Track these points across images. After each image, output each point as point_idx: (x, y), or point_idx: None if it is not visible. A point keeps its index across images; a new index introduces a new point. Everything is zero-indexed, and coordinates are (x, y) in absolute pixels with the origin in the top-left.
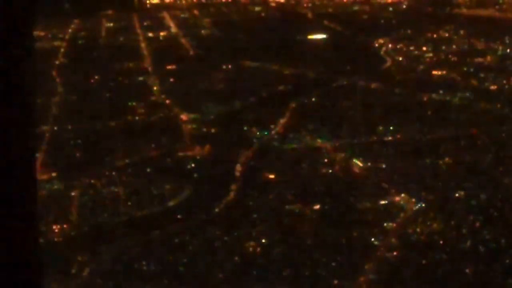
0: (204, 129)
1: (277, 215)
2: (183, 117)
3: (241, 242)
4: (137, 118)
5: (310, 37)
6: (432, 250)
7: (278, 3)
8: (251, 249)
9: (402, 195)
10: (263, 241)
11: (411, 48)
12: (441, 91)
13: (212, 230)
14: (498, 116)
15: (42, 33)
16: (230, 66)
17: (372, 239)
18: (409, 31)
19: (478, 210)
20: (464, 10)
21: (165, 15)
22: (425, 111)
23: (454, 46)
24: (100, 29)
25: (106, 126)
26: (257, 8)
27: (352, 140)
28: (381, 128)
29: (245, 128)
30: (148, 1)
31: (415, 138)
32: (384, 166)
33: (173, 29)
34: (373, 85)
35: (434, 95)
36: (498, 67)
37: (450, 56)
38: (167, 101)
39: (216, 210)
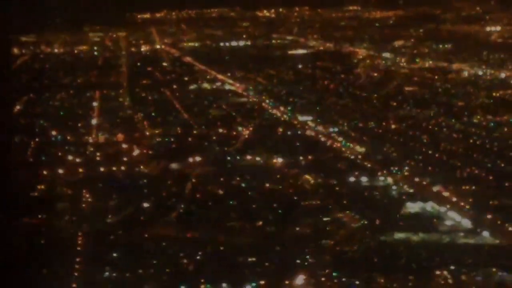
0: (164, 145)
1: (217, 232)
2: (147, 131)
3: (176, 258)
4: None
5: (290, 52)
6: (367, 268)
7: (268, 18)
8: (184, 265)
9: (347, 212)
10: (197, 257)
11: (389, 63)
12: (408, 107)
13: (146, 246)
14: (461, 131)
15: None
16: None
17: (307, 257)
18: (390, 47)
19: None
20: (449, 26)
21: (153, 30)
22: (387, 128)
23: (430, 62)
24: (85, 43)
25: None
26: (245, 24)
27: (307, 156)
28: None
29: (206, 143)
30: (139, 16)
31: (371, 156)
32: (335, 182)
33: (157, 44)
34: (341, 102)
35: (401, 111)
36: (471, 83)
37: (425, 72)
38: (136, 116)
39: (155, 227)
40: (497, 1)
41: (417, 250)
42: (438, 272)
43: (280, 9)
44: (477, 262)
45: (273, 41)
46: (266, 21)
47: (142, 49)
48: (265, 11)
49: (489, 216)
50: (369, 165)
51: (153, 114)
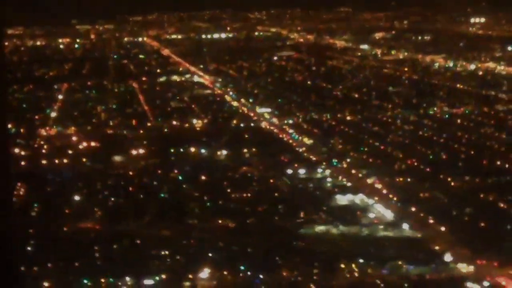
0: (113, 138)
1: (138, 224)
2: (102, 124)
3: (89, 251)
4: None
5: (269, 44)
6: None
7: (259, 19)
8: (95, 258)
9: (276, 205)
10: (111, 250)
11: (376, 64)
12: (368, 99)
13: (62, 239)
14: (414, 123)
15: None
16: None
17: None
18: (370, 38)
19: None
20: (433, 17)
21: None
22: (342, 120)
23: (405, 54)
24: (68, 36)
25: None
26: (234, 23)
27: (252, 148)
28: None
29: (155, 135)
30: (130, 18)
31: (317, 148)
32: (272, 174)
33: (140, 36)
34: (304, 94)
35: (360, 104)
36: (439, 74)
37: (396, 64)
38: (96, 108)
39: (79, 220)
40: None
41: (332, 243)
42: (343, 266)
43: (272, 11)
44: (387, 255)
45: (256, 33)
46: (256, 21)
47: (124, 41)
48: (256, 13)
49: (413, 209)
50: (312, 157)
51: (114, 106)
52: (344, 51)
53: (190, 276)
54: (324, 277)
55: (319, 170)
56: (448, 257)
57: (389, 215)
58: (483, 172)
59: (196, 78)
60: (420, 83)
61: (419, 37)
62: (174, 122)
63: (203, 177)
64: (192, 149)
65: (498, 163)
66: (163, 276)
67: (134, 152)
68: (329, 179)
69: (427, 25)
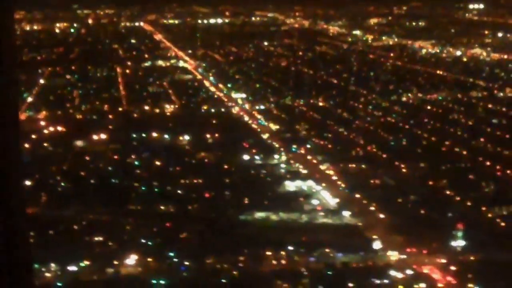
0: (79, 122)
1: (78, 210)
2: (74, 109)
3: None
4: None
5: (264, 29)
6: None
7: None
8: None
9: (223, 191)
10: (43, 237)
11: (363, 49)
12: (346, 85)
13: None
14: (385, 109)
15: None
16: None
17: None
18: (365, 24)
19: None
20: (437, 11)
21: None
22: (314, 106)
23: (396, 40)
24: (67, 20)
25: None
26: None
27: (215, 134)
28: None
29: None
30: (131, 3)
31: (281, 134)
32: (228, 160)
33: (138, 21)
34: (283, 79)
35: (336, 89)
36: (423, 60)
37: (382, 50)
38: (73, 93)
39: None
40: None
41: (268, 230)
42: (269, 253)
43: None
44: (319, 242)
45: (253, 18)
46: (256, 6)
47: (121, 26)
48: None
49: (358, 196)
50: (273, 143)
51: (91, 91)
52: (336, 36)
53: (116, 262)
54: (249, 264)
55: (276, 156)
56: (378, 245)
57: (332, 202)
58: (439, 159)
59: (181, 63)
60: (401, 69)
61: (413, 23)
62: (146, 107)
63: (157, 163)
64: (155, 134)
65: (457, 150)
66: (88, 263)
67: (96, 137)
68: (283, 165)
69: (424, 11)
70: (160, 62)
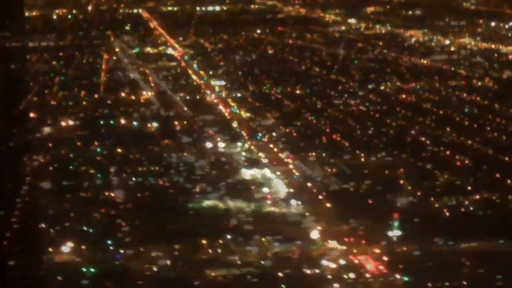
0: (53, 108)
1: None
2: (50, 95)
3: None
4: None
5: (260, 17)
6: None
7: None
8: None
9: (178, 178)
10: None
11: (353, 38)
12: (326, 74)
13: None
14: (360, 97)
15: None
16: None
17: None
18: (361, 12)
19: None
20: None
21: None
22: (290, 94)
23: (388, 28)
24: (66, 6)
25: None
26: None
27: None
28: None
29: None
30: None
31: (251, 122)
32: (190, 148)
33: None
34: (265, 68)
35: (315, 78)
36: (410, 49)
37: (372, 38)
38: (54, 79)
39: None
40: None
41: (211, 218)
42: (205, 241)
43: None
44: (258, 231)
45: (252, 6)
46: None
47: (119, 12)
48: None
49: (309, 185)
50: (241, 131)
51: (73, 78)
52: (329, 24)
53: (51, 249)
54: (184, 253)
55: (238, 144)
56: (317, 235)
57: (284, 191)
58: (401, 148)
59: (169, 51)
60: (386, 58)
61: (410, 12)
62: (122, 94)
63: (119, 150)
64: (123, 121)
65: (423, 139)
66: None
67: (64, 123)
68: (243, 154)
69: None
70: (148, 49)
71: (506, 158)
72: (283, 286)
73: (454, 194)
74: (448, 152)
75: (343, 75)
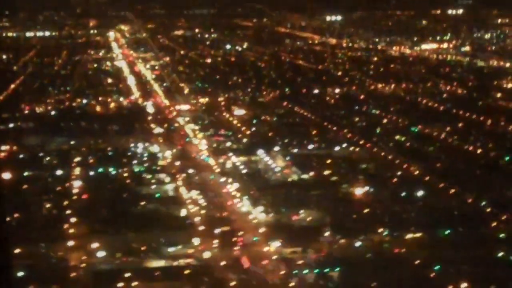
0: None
1: None
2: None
3: None
4: None
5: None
6: None
7: None
8: None
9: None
10: None
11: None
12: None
13: None
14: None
15: None
16: None
17: None
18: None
19: None
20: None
21: None
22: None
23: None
24: None
25: None
26: None
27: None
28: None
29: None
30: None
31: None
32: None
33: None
34: (224, 69)
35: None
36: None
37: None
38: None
39: None
40: None
41: (162, 209)
42: (149, 232)
43: None
44: (207, 222)
45: (239, 9)
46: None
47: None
48: None
49: (267, 176)
50: (182, 119)
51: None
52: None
53: None
54: (125, 244)
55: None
56: (261, 225)
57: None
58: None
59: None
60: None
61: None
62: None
63: (87, 140)
64: (85, 101)
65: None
66: None
67: (38, 112)
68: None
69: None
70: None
71: (470, 148)
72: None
73: (409, 185)
74: (413, 143)
75: (298, 76)
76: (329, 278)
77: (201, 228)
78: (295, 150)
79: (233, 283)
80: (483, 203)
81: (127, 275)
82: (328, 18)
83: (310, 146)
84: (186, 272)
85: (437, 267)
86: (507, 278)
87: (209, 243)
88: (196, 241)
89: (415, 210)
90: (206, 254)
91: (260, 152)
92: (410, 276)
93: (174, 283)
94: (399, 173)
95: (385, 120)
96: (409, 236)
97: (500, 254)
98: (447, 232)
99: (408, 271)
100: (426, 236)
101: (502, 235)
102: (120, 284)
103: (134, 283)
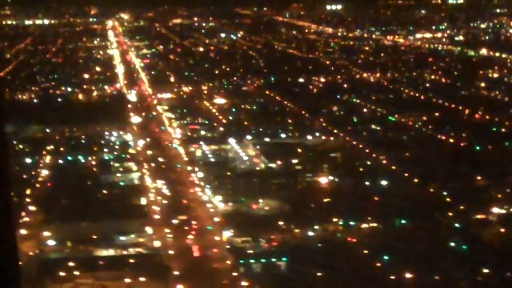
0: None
1: None
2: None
3: None
4: None
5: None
6: None
7: None
8: None
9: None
10: None
11: None
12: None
13: None
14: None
15: None
16: None
17: None
18: None
19: None
20: None
21: None
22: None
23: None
24: None
25: None
26: None
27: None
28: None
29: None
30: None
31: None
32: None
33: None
34: (204, 63)
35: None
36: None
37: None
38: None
39: None
40: None
41: (122, 197)
42: (102, 221)
43: None
44: (164, 212)
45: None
46: None
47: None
48: None
49: (234, 164)
50: (161, 107)
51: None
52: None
53: None
54: (76, 233)
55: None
56: (217, 215)
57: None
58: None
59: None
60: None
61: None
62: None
63: (62, 129)
64: (69, 90)
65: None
66: None
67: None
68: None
69: None
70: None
71: (443, 137)
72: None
73: (374, 175)
74: (387, 133)
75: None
76: (275, 267)
77: (157, 217)
78: (267, 139)
79: (176, 272)
80: (445, 193)
81: (71, 264)
82: (328, 7)
83: (283, 135)
84: (132, 261)
85: (386, 257)
86: (453, 268)
87: (162, 232)
88: (149, 230)
89: (375, 200)
90: (157, 243)
91: (232, 141)
92: (357, 266)
93: (117, 272)
94: (368, 162)
95: (364, 109)
96: (364, 226)
97: (452, 244)
98: (402, 221)
99: (355, 260)
100: (381, 226)
101: (457, 225)
102: (63, 273)
103: (76, 272)
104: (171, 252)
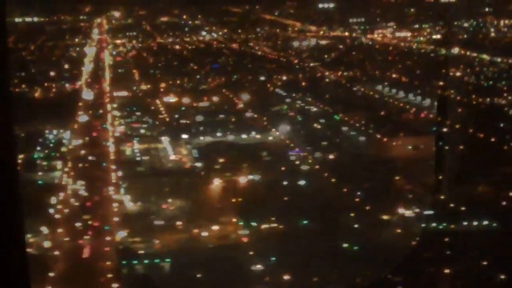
0: None
1: None
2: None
3: None
4: None
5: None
6: None
7: None
8: None
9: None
10: None
11: None
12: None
13: None
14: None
15: None
16: None
17: None
18: None
19: None
20: None
21: None
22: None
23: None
24: None
25: None
26: None
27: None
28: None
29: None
30: None
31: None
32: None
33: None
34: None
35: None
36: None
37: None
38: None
39: None
40: None
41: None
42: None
43: None
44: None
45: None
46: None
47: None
48: None
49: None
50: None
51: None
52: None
53: None
54: None
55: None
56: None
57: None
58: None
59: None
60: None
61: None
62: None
63: None
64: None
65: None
66: None
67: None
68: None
69: None
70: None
71: (378, 136)
72: None
73: (294, 175)
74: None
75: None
76: (158, 268)
77: (58, 216)
78: (201, 138)
79: (58, 273)
80: (358, 193)
81: None
82: (320, 5)
83: (218, 134)
84: None
85: (273, 258)
86: (342, 269)
87: (57, 232)
88: (45, 230)
89: (286, 200)
90: (47, 244)
91: (165, 140)
92: (238, 268)
93: None
94: (295, 162)
95: (314, 108)
96: (264, 226)
97: (346, 245)
98: (305, 222)
99: (239, 262)
100: (281, 227)
101: (356, 226)
102: None
103: None
104: (56, 253)
